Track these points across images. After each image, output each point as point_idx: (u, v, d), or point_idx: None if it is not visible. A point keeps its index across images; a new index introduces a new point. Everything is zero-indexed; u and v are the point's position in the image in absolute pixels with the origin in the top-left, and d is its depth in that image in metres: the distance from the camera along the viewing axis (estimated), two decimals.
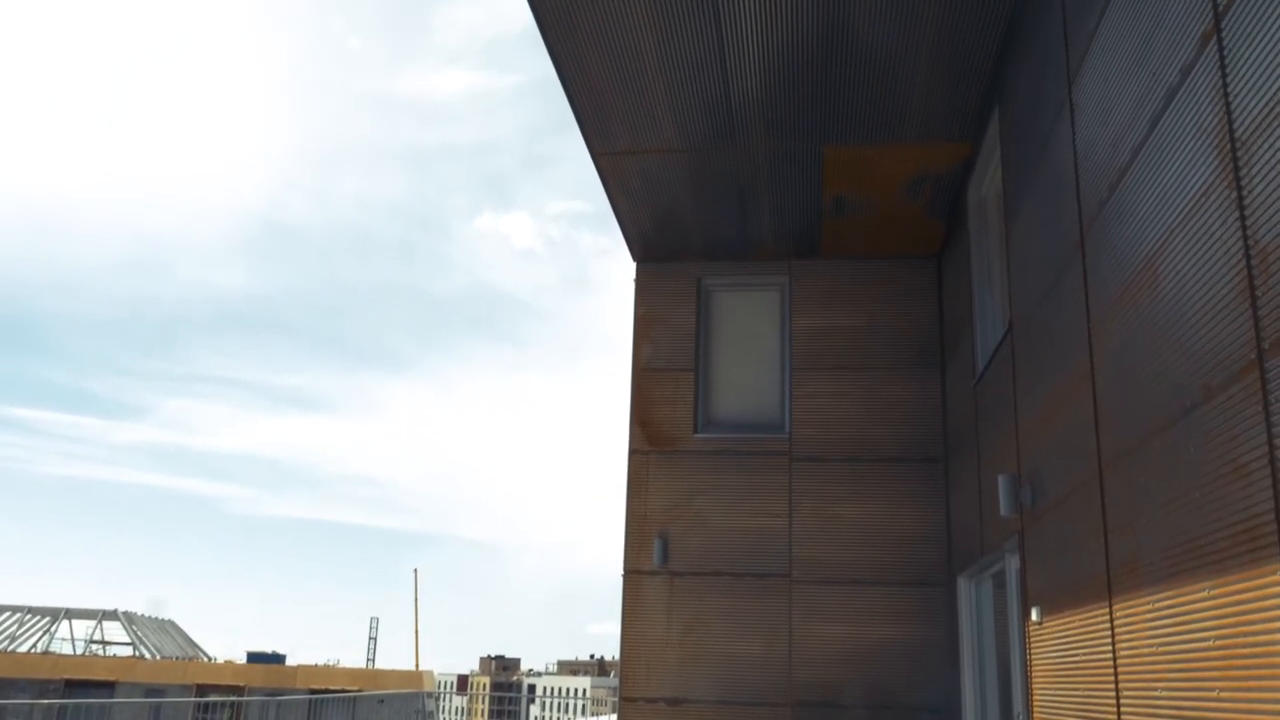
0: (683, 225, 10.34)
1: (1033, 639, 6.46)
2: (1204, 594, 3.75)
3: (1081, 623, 5.36)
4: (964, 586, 9.32)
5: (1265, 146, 3.30)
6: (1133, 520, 4.55)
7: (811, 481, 10.21)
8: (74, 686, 47.74)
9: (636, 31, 7.42)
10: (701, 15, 7.19)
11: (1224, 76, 3.61)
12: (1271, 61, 3.27)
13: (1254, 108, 3.38)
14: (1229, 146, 3.56)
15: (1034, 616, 6.36)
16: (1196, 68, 3.85)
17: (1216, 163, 3.67)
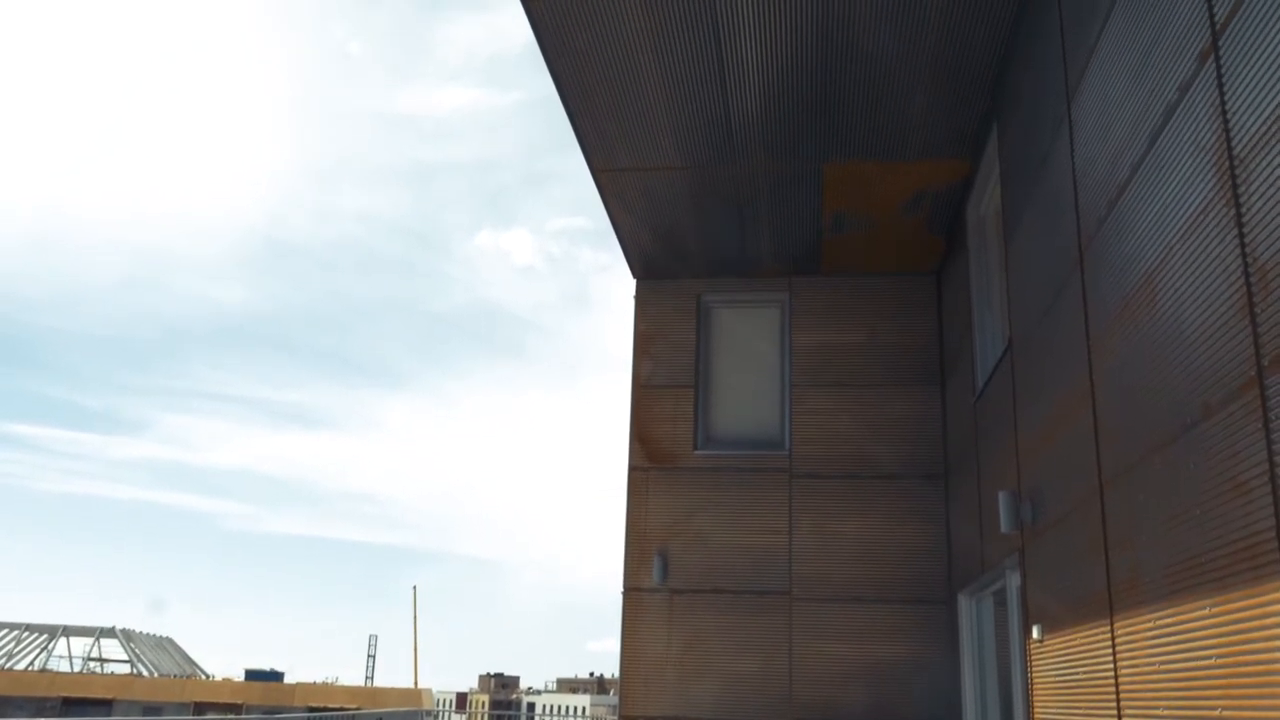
0: (683, 242, 10.36)
1: (1034, 656, 6.43)
2: (1205, 611, 3.74)
3: (1083, 640, 5.34)
4: (965, 604, 9.30)
5: (1264, 163, 3.31)
6: (1133, 537, 4.54)
7: (812, 498, 10.20)
8: (71, 704, 47.57)
9: (636, 50, 7.45)
10: (701, 34, 7.22)
11: (1222, 94, 3.62)
12: (1269, 79, 3.28)
13: (1252, 125, 3.39)
14: (1227, 163, 3.57)
15: (1035, 634, 6.34)
16: (1195, 85, 3.86)
17: (1215, 180, 3.68)
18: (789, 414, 10.51)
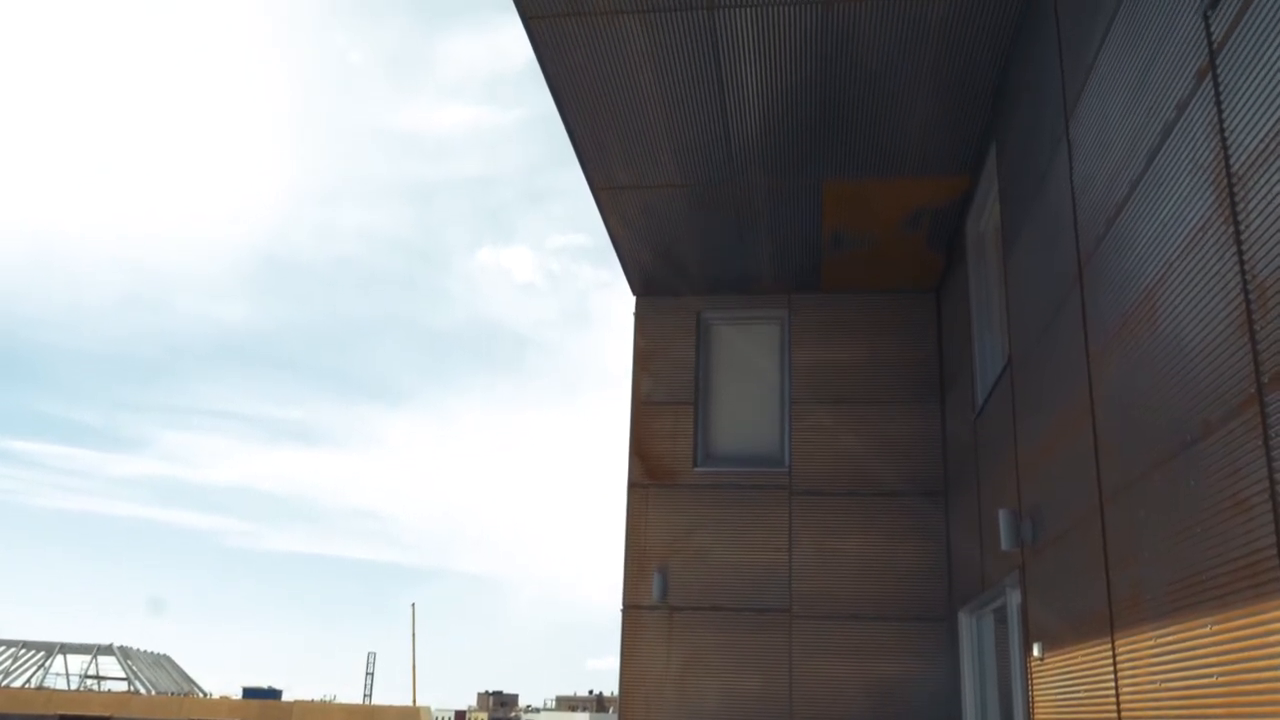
0: (683, 259, 10.37)
1: (1035, 675, 6.41)
2: (1207, 630, 3.73)
3: (1084, 658, 5.33)
4: (965, 622, 9.27)
5: (1262, 181, 3.32)
6: (1134, 555, 4.54)
7: (811, 515, 10.18)
8: None
9: (637, 68, 7.48)
10: (701, 52, 7.25)
11: (1220, 112, 3.64)
12: (1267, 97, 3.29)
13: (1250, 143, 3.40)
14: (1226, 181, 3.58)
15: (1036, 652, 6.32)
16: (1192, 103, 3.88)
17: (1213, 197, 3.69)
18: (789, 431, 10.51)
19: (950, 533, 9.82)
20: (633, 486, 10.58)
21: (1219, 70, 3.65)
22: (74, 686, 59.16)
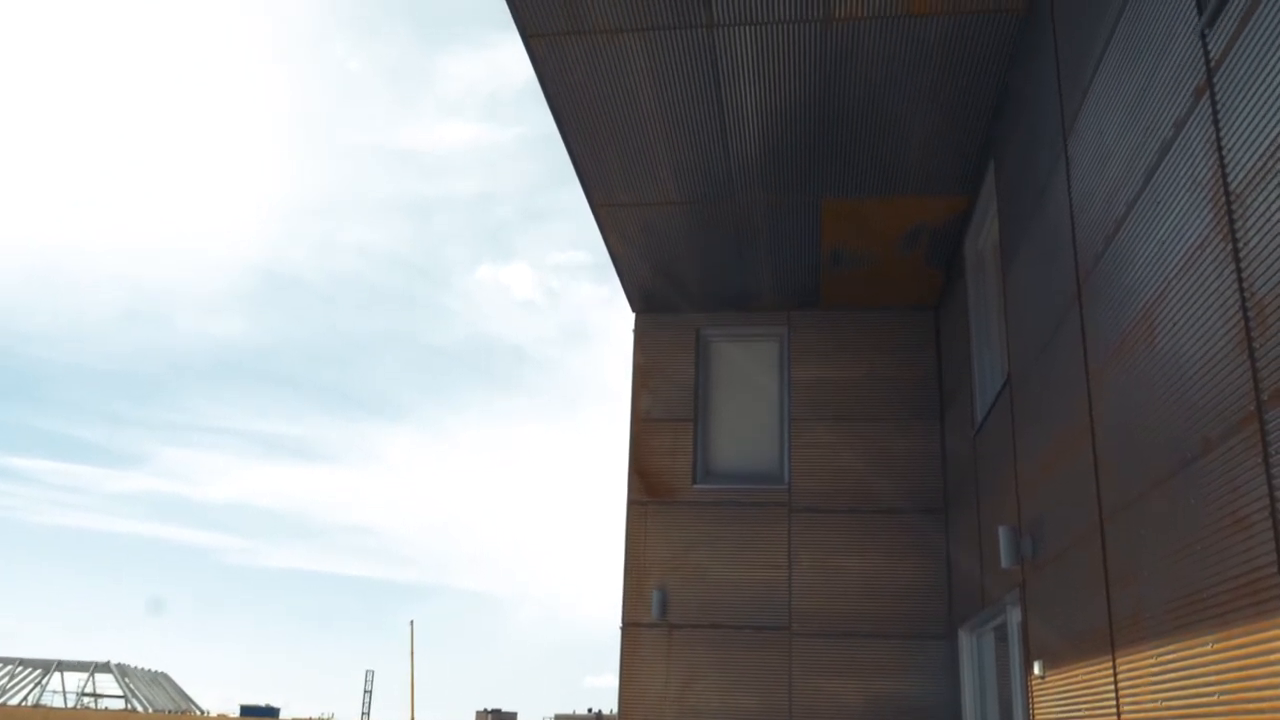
0: (682, 276, 10.39)
1: (1035, 693, 6.39)
2: (1208, 647, 3.72)
3: (1084, 676, 5.31)
4: (965, 639, 9.24)
5: (1260, 199, 3.33)
6: (1135, 573, 4.53)
7: (811, 533, 10.16)
8: None
9: (636, 87, 7.50)
10: (701, 71, 7.28)
11: (1218, 130, 3.65)
12: (1264, 116, 3.30)
13: (1248, 161, 3.41)
14: (1224, 199, 3.59)
15: (1036, 670, 6.30)
16: (1190, 121, 3.89)
17: (1212, 215, 3.70)
18: (788, 448, 10.50)
19: (950, 550, 9.80)
20: (632, 503, 10.56)
21: (1216, 88, 3.66)
22: (71, 704, 58.90)
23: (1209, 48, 3.73)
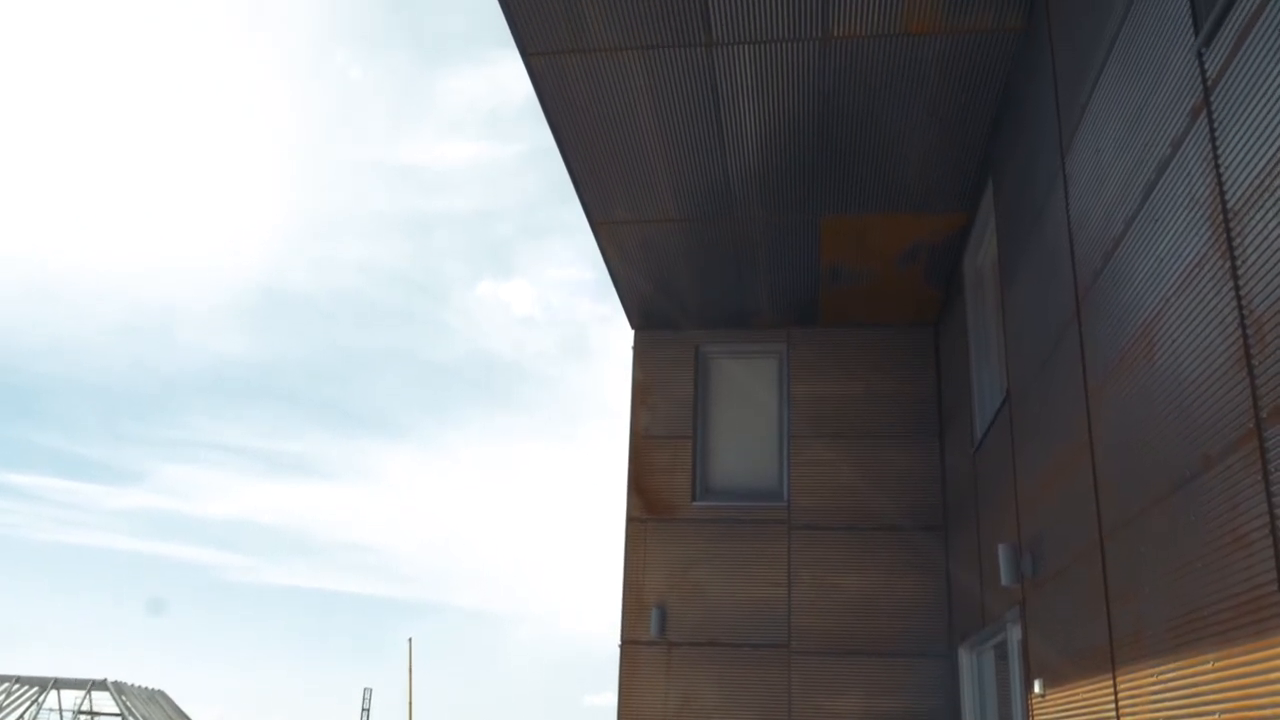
0: (681, 293, 10.40)
1: (1036, 712, 6.36)
2: (1209, 666, 3.71)
3: (1085, 695, 5.29)
4: (965, 658, 9.21)
5: (1257, 217, 3.34)
6: (1135, 590, 4.52)
7: (810, 550, 10.14)
8: None
9: (636, 105, 7.53)
10: (700, 89, 7.31)
11: (1215, 148, 3.66)
12: (1261, 134, 3.32)
13: (1245, 179, 3.43)
14: (1222, 217, 3.60)
15: (1036, 689, 6.27)
16: (1187, 140, 3.91)
17: (1209, 233, 3.71)
18: (787, 465, 10.49)
19: (950, 567, 9.78)
20: (631, 521, 10.54)
21: (1213, 107, 3.68)
22: None
23: (1205, 67, 3.74)
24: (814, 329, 10.84)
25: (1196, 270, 3.83)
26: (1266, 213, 3.28)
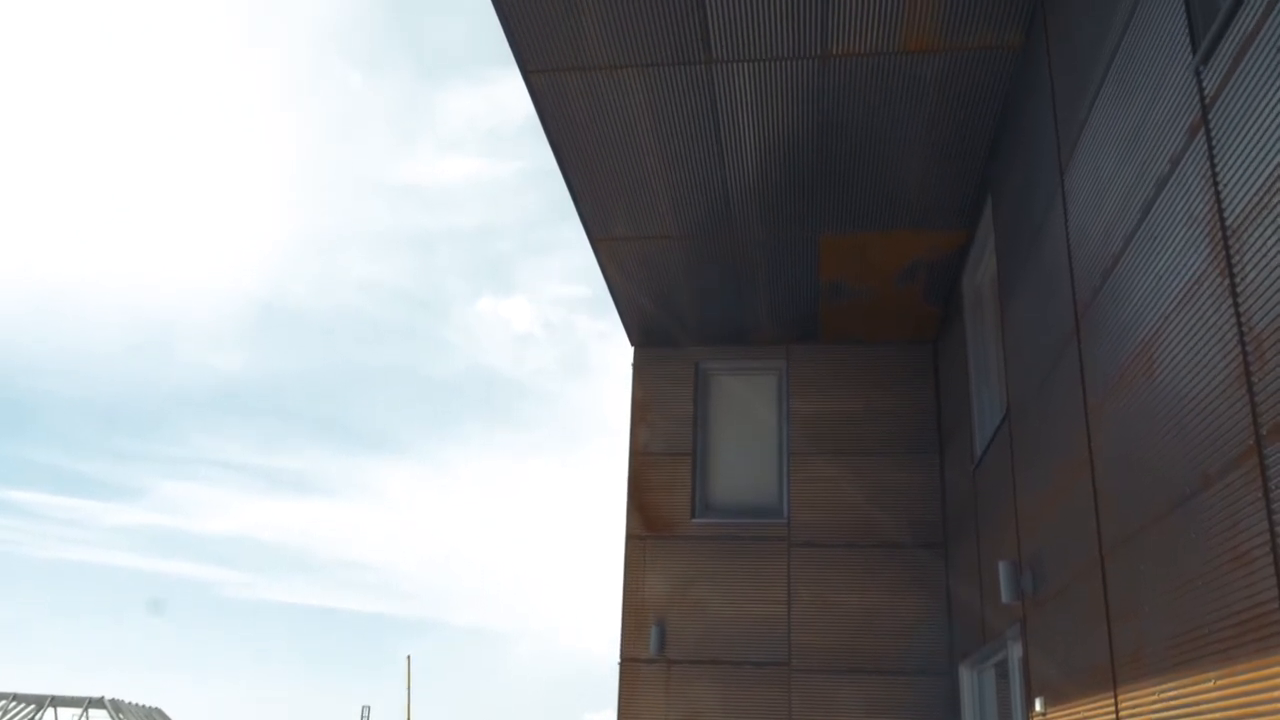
0: (680, 310, 10.41)
1: None
2: (1210, 684, 3.69)
3: (1086, 713, 5.27)
4: (966, 676, 9.18)
5: (1256, 235, 3.34)
6: (1136, 608, 4.50)
7: (810, 567, 10.11)
8: None
9: (635, 122, 7.55)
10: (699, 107, 7.33)
11: (1213, 166, 3.67)
12: (1259, 152, 3.33)
13: (1244, 196, 3.43)
14: (1220, 234, 3.61)
15: (1038, 707, 6.25)
16: (1186, 157, 3.91)
17: (1208, 250, 3.71)
18: (787, 482, 10.47)
19: (950, 585, 9.76)
20: (630, 538, 10.52)
21: (1212, 124, 3.69)
22: None
23: (1204, 84, 3.76)
24: (814, 346, 10.84)
25: (1195, 287, 3.83)
26: (1265, 229, 3.29)
